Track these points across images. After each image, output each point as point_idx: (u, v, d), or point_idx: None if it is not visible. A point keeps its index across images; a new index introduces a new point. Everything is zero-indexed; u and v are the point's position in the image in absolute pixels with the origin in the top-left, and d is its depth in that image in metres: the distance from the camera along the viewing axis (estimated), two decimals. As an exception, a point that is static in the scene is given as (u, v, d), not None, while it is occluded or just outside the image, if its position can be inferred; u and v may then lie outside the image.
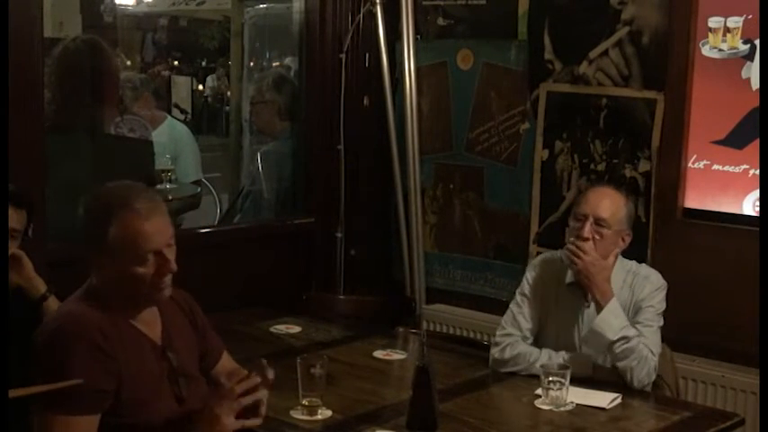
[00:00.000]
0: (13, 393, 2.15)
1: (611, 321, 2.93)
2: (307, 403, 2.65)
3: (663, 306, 3.04)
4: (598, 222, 2.98)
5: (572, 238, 3.01)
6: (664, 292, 3.05)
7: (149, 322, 2.38)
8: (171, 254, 2.31)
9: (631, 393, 2.90)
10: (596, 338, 2.95)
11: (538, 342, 3.14)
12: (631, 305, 3.04)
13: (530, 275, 3.19)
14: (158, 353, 2.36)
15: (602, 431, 2.66)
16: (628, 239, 3.07)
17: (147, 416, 2.27)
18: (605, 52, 3.89)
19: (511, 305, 3.18)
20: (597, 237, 2.98)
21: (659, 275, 3.09)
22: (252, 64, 5.82)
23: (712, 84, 3.65)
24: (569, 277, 3.09)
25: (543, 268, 3.19)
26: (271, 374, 2.28)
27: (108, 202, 2.28)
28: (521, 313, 3.14)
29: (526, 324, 3.12)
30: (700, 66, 3.68)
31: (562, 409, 2.76)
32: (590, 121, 3.95)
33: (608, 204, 3.02)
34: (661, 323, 3.03)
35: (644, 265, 3.15)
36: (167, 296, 2.37)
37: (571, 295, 3.10)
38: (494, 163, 4.29)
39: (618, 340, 2.91)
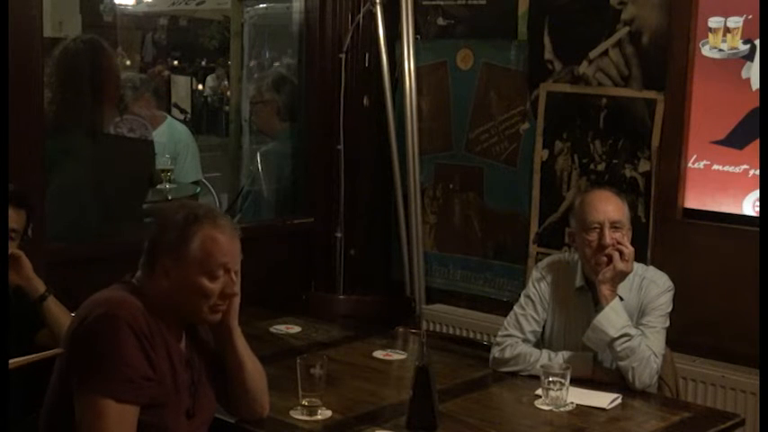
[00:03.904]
0: (13, 363, 2.15)
1: (613, 319, 2.92)
2: (306, 403, 2.64)
3: (668, 308, 3.02)
4: (614, 226, 2.96)
5: (601, 255, 2.95)
6: (669, 294, 3.03)
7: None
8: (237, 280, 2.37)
9: (631, 394, 2.89)
10: (597, 335, 2.94)
11: (545, 345, 3.12)
12: (638, 309, 3.02)
13: (536, 278, 3.17)
14: (184, 363, 2.36)
15: (601, 431, 2.66)
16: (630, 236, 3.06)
17: (165, 421, 2.27)
18: (605, 52, 3.89)
19: (515, 306, 3.17)
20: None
21: (666, 278, 3.06)
22: (252, 64, 5.82)
23: (712, 84, 3.65)
24: (579, 281, 3.08)
25: (551, 271, 3.16)
26: None
27: (195, 213, 2.33)
28: (523, 315, 3.12)
29: (528, 326, 3.11)
30: (700, 66, 3.67)
31: (562, 409, 2.76)
32: (590, 121, 3.95)
33: (615, 206, 3.00)
34: (666, 325, 3.01)
35: (651, 267, 3.13)
36: (216, 321, 2.40)
37: (581, 299, 3.07)
38: (494, 163, 4.29)
39: (619, 337, 2.89)
